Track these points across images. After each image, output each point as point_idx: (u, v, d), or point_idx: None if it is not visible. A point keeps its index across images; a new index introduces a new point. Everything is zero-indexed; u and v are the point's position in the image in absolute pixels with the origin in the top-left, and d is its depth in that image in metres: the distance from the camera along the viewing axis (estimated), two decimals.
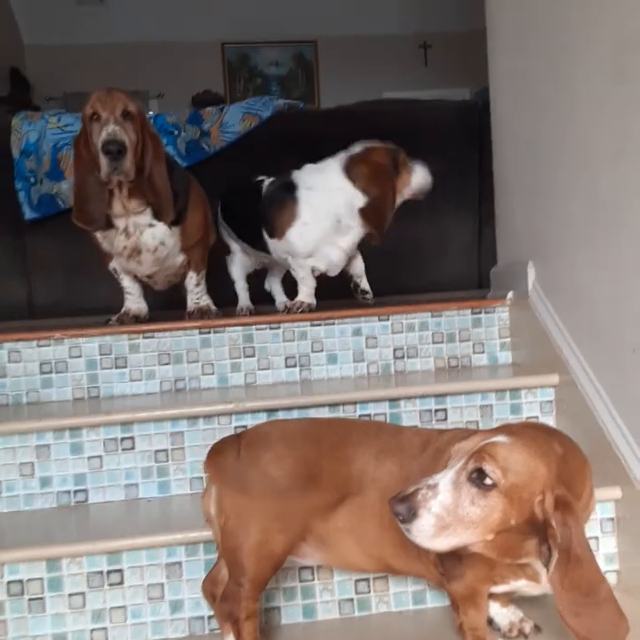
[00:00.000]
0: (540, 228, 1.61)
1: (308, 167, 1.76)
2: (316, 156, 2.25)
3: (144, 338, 1.67)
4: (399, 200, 1.75)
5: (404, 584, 1.25)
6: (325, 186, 1.70)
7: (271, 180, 1.82)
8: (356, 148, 1.74)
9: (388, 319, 1.72)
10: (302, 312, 1.74)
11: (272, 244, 1.76)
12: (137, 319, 1.77)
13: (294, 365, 1.69)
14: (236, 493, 1.05)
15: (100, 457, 1.43)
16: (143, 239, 1.70)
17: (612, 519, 1.27)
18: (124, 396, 1.65)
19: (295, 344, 1.70)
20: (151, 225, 1.69)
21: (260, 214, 1.76)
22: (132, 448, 1.44)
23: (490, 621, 1.12)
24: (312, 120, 2.51)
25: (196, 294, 1.83)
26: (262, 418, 1.47)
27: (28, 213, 2.46)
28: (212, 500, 1.11)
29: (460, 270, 2.55)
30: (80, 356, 1.65)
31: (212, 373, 1.68)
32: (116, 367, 1.65)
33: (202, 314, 1.80)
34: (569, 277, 1.48)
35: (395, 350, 1.71)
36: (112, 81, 5.14)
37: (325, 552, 1.08)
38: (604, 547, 1.27)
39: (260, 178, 1.86)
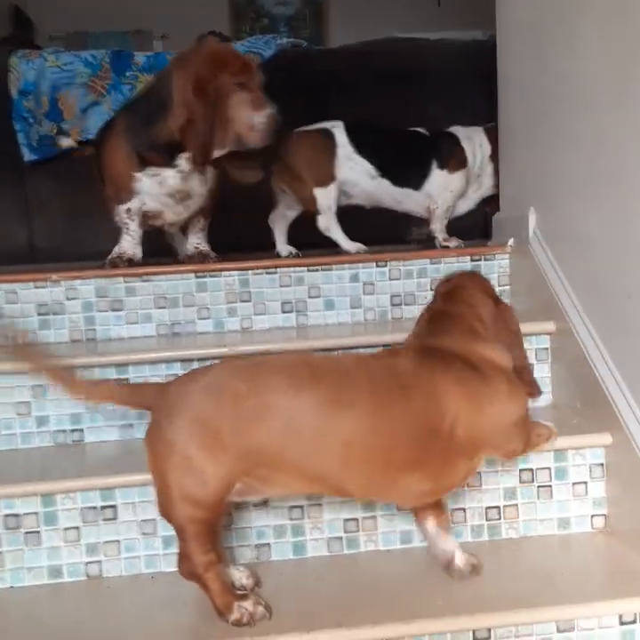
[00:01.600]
0: (542, 174, 1.57)
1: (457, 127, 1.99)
2: (321, 97, 2.20)
3: (141, 281, 1.66)
4: None
5: (391, 524, 1.27)
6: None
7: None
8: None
9: (385, 265, 1.69)
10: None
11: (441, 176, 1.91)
12: (130, 262, 1.75)
13: (290, 311, 1.69)
14: (149, 456, 1.04)
15: None
16: (192, 184, 1.71)
17: (602, 465, 1.28)
18: (121, 338, 1.65)
19: (292, 289, 1.69)
20: (201, 172, 1.70)
21: (432, 154, 1.92)
22: None
23: None
24: (316, 60, 2.43)
25: (199, 239, 1.83)
26: None
27: (28, 155, 2.43)
28: None
29: (466, 219, 2.50)
30: (77, 299, 1.64)
31: (208, 318, 1.67)
32: (113, 310, 1.65)
33: (203, 257, 1.79)
34: (569, 224, 1.45)
35: (392, 297, 1.70)
36: (115, 21, 4.99)
37: (268, 488, 1.05)
38: (593, 491, 1.28)
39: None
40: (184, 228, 1.87)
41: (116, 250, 1.75)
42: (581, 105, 1.36)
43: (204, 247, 1.83)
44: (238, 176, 1.74)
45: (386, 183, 1.91)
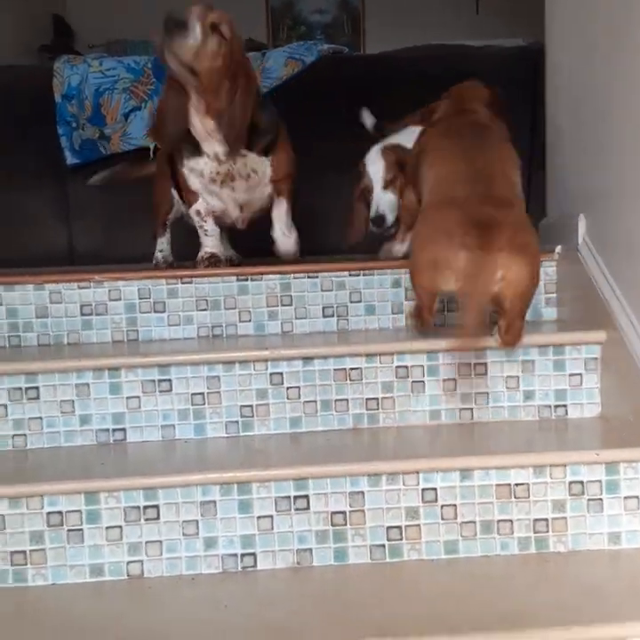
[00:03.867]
0: (594, 179, 1.53)
1: None
2: (362, 102, 2.19)
3: (182, 283, 1.67)
4: None
5: (436, 533, 1.24)
6: None
7: None
8: None
9: None
10: None
11: None
12: (224, 262, 1.80)
13: (331, 315, 1.68)
14: None
15: (137, 397, 1.45)
16: (236, 166, 1.71)
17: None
18: (162, 340, 1.66)
19: (333, 294, 1.68)
20: (243, 155, 1.70)
21: None
22: (169, 390, 1.45)
23: None
24: (357, 66, 2.43)
25: (284, 224, 1.82)
26: (298, 365, 1.46)
27: (70, 158, 2.47)
28: None
29: None
30: (119, 299, 1.66)
31: (249, 320, 1.67)
32: (155, 311, 1.66)
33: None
34: (622, 230, 1.41)
35: None
36: (155, 28, 5.06)
37: None
38: None
39: None
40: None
41: (203, 251, 1.80)
42: (634, 106, 1.33)
43: (293, 234, 1.84)
44: None
45: None
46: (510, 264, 1.27)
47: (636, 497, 1.24)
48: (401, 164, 1.75)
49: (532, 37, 2.52)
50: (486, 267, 1.26)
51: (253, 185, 1.76)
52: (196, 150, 1.70)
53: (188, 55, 1.53)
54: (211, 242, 1.80)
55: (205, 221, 1.79)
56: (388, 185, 1.78)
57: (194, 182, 1.75)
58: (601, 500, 1.25)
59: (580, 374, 1.46)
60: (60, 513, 1.23)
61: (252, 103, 1.64)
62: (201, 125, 1.66)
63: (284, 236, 1.82)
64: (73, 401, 1.44)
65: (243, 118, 1.62)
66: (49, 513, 1.23)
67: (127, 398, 1.44)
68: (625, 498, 1.24)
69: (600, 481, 1.25)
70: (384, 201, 1.79)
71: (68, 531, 1.23)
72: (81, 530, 1.23)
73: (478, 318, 1.28)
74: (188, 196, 1.78)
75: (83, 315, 1.65)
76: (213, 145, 1.68)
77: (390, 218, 1.79)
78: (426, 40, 2.68)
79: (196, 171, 1.72)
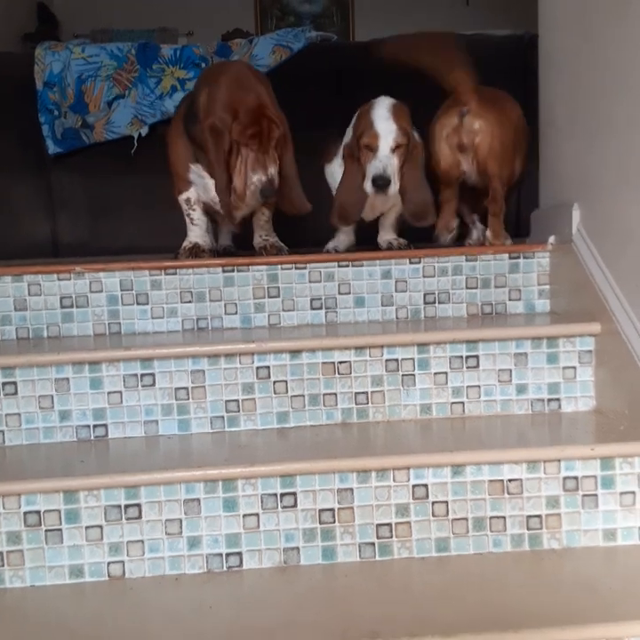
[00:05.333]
0: (589, 167, 1.50)
1: None
2: (350, 90, 2.14)
3: (166, 274, 1.62)
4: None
5: (427, 530, 1.21)
6: None
7: None
8: None
9: (419, 262, 1.64)
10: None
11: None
12: (208, 253, 1.74)
13: (320, 307, 1.63)
14: None
15: (119, 392, 1.40)
16: None
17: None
18: (146, 333, 1.61)
19: (321, 285, 1.63)
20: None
21: None
22: (152, 385, 1.40)
23: None
24: (346, 53, 2.38)
25: (266, 231, 1.79)
26: (285, 359, 1.42)
27: (52, 148, 2.40)
28: None
29: None
30: (101, 291, 1.61)
31: (235, 313, 1.63)
32: (138, 303, 1.61)
33: (277, 250, 1.76)
34: (618, 219, 1.38)
35: (425, 295, 1.64)
36: (140, 18, 4.99)
37: None
38: None
39: None
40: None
41: (188, 241, 1.74)
42: (630, 93, 1.30)
43: (274, 238, 1.80)
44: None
45: None
46: None
47: (632, 492, 1.21)
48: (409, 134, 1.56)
49: (523, 29, 2.48)
50: None
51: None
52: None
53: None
54: (196, 231, 1.75)
55: (194, 210, 1.74)
56: (394, 150, 1.54)
57: (195, 178, 1.69)
58: (596, 495, 1.22)
59: (574, 367, 1.43)
60: (37, 512, 1.19)
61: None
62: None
63: (265, 242, 1.77)
64: (52, 396, 1.39)
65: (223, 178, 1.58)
66: (26, 512, 1.18)
67: (108, 393, 1.40)
68: (620, 493, 1.22)
69: (595, 476, 1.22)
70: (391, 164, 1.54)
71: (47, 531, 1.19)
72: (60, 530, 1.19)
73: None
74: (181, 184, 1.72)
75: (63, 307, 1.60)
76: None
77: (394, 188, 1.55)
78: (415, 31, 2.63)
79: (201, 182, 1.68)
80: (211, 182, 1.64)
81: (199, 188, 1.71)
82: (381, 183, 1.51)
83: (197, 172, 1.69)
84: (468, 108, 1.61)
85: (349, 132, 1.66)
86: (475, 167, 1.63)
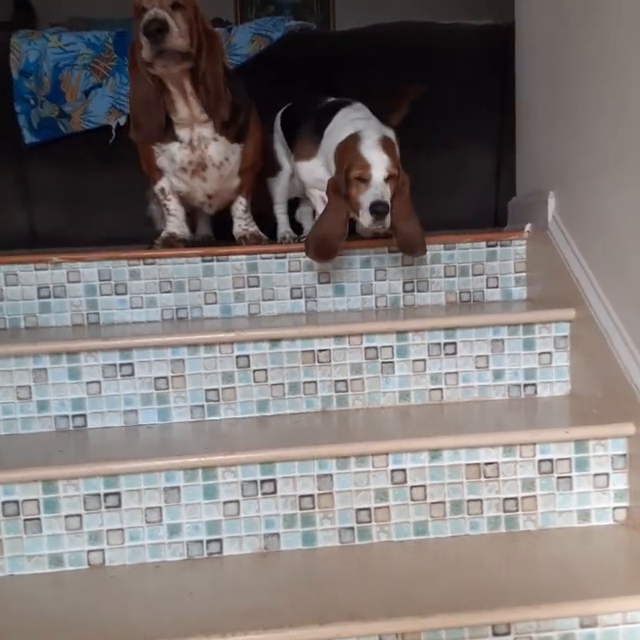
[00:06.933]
0: (564, 154, 1.52)
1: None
2: (329, 80, 2.14)
3: (145, 264, 1.61)
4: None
5: (405, 514, 1.22)
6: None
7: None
8: None
9: (398, 251, 1.64)
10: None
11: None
12: (184, 243, 1.73)
13: (300, 297, 1.64)
14: None
15: (98, 382, 1.40)
16: (209, 153, 1.65)
17: (624, 456, 1.23)
18: (125, 323, 1.61)
19: (301, 274, 1.64)
20: (215, 139, 1.64)
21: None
22: (132, 374, 1.40)
23: None
24: (325, 43, 2.37)
25: (245, 220, 1.79)
26: (265, 348, 1.43)
27: (28, 137, 2.37)
28: None
29: (476, 207, 2.44)
30: (79, 282, 1.60)
31: (215, 303, 1.63)
32: (116, 294, 1.61)
33: (257, 239, 1.76)
34: (592, 206, 1.40)
35: (404, 283, 1.65)
36: (118, 7, 4.91)
37: None
38: (615, 483, 1.24)
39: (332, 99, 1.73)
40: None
41: (165, 232, 1.74)
42: (604, 76, 1.31)
43: (253, 228, 1.79)
44: None
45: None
46: None
47: (606, 474, 1.24)
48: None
49: (503, 18, 2.49)
50: None
51: (225, 174, 1.69)
52: (170, 134, 1.63)
53: (172, 47, 1.48)
54: (172, 221, 1.74)
55: (169, 200, 1.73)
56: (387, 180, 1.46)
57: (162, 162, 1.68)
58: (570, 477, 1.24)
59: (550, 353, 1.45)
60: (16, 502, 1.18)
61: (221, 63, 1.59)
62: (186, 108, 1.60)
63: (244, 232, 1.77)
64: (30, 386, 1.38)
65: (215, 83, 1.56)
66: (4, 502, 1.18)
67: (87, 383, 1.39)
68: (594, 475, 1.24)
69: (569, 459, 1.24)
70: (387, 192, 1.45)
71: (25, 520, 1.18)
72: (39, 519, 1.19)
73: None
74: (153, 173, 1.71)
75: (40, 297, 1.59)
76: (189, 132, 1.62)
77: (388, 220, 1.45)
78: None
79: (168, 153, 1.66)
80: (173, 147, 1.63)
81: (170, 174, 1.70)
82: (381, 209, 1.41)
83: (160, 150, 1.66)
84: None
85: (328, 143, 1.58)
86: None
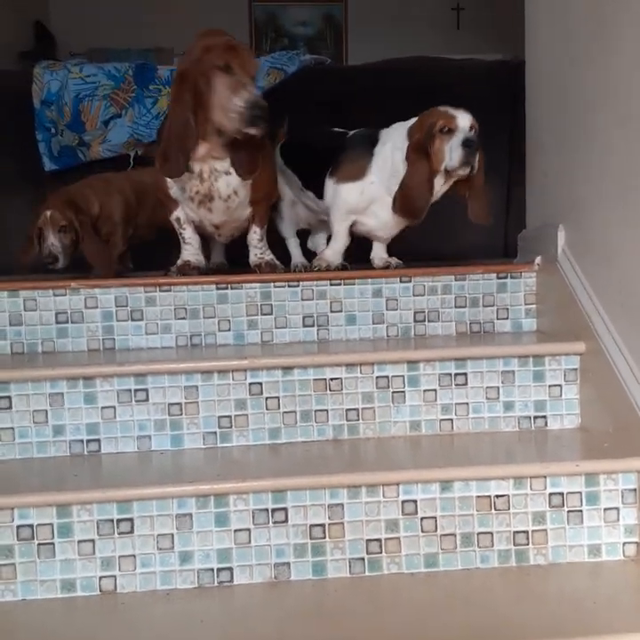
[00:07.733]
0: (574, 189, 1.54)
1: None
2: (343, 113, 2.19)
3: (160, 291, 1.64)
4: (440, 181, 1.61)
5: (416, 546, 1.23)
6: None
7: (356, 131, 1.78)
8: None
9: (409, 281, 1.67)
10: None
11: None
12: (198, 271, 1.75)
13: (312, 325, 1.66)
14: None
15: (113, 407, 1.42)
16: (217, 185, 1.67)
17: (635, 490, 1.23)
18: (140, 348, 1.63)
19: (314, 303, 1.66)
20: (228, 173, 1.66)
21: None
22: (146, 400, 1.42)
23: None
24: (339, 76, 2.43)
25: (260, 249, 1.80)
26: (277, 376, 1.45)
27: (48, 165, 2.43)
28: None
29: (485, 240, 2.47)
30: (96, 307, 1.63)
31: (229, 330, 1.65)
32: (132, 320, 1.63)
33: (271, 268, 1.78)
34: (601, 240, 1.42)
35: (415, 313, 1.67)
36: (136, 38, 5.04)
37: None
38: (625, 518, 1.24)
39: (339, 130, 1.82)
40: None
41: (181, 259, 1.76)
42: (615, 117, 1.34)
43: (268, 256, 1.80)
44: None
45: (309, 197, 1.84)
46: None
47: (616, 508, 1.24)
48: None
49: (512, 54, 2.55)
50: None
51: (232, 207, 1.71)
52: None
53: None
54: (188, 250, 1.77)
55: (184, 229, 1.77)
56: (470, 129, 1.54)
57: (176, 192, 1.72)
58: (581, 511, 1.24)
59: (560, 385, 1.46)
60: (30, 526, 1.19)
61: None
62: (206, 149, 1.62)
63: (260, 260, 1.79)
64: (46, 411, 1.40)
65: (184, 128, 1.57)
66: (19, 526, 1.19)
67: (102, 408, 1.41)
68: (605, 509, 1.24)
69: (580, 492, 1.24)
70: (475, 139, 1.55)
71: (39, 544, 1.20)
72: (52, 544, 1.20)
73: None
74: (168, 204, 1.75)
75: (58, 323, 1.62)
76: (200, 164, 1.64)
77: (477, 160, 1.54)
78: (408, 54, 2.70)
79: (180, 183, 1.69)
80: (184, 177, 1.65)
81: (183, 204, 1.73)
82: (472, 144, 1.50)
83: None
84: None
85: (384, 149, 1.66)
86: None
